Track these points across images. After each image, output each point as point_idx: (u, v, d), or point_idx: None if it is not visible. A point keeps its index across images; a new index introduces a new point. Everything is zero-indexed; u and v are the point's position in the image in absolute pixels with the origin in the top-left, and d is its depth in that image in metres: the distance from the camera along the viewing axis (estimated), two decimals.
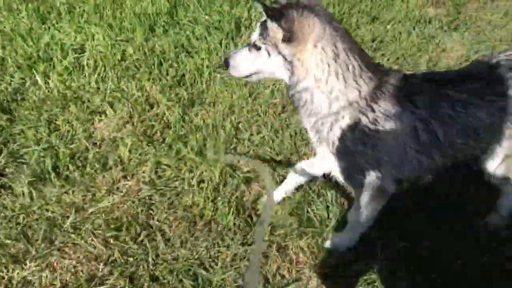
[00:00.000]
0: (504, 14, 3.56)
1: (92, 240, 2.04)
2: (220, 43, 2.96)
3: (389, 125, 1.70)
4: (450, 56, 3.16)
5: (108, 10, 3.14)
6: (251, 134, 2.52)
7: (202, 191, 2.23)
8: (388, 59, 3.02)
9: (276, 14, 1.61)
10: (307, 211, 2.21)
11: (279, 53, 1.70)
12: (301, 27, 1.61)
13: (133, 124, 2.52)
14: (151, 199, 2.24)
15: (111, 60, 2.83)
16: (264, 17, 1.67)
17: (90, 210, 2.17)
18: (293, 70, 1.70)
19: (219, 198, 2.23)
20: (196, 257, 2.03)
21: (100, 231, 2.07)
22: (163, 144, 2.45)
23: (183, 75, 2.78)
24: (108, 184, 2.28)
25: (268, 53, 1.74)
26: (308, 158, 2.39)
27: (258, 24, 1.77)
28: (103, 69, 2.77)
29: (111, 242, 2.04)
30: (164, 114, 2.59)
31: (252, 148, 2.46)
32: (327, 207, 2.23)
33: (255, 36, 1.77)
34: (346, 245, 2.07)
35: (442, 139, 1.76)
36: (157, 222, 2.15)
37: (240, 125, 2.57)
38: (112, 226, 2.09)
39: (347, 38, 1.66)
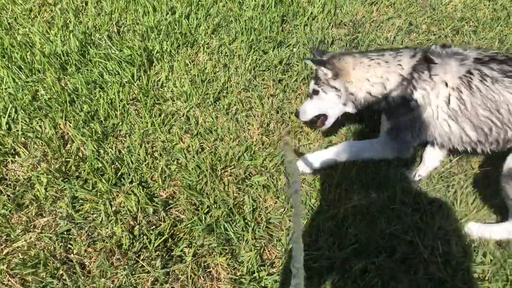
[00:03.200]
0: (398, 30, 3.92)
1: (9, 280, 2.05)
2: (133, 76, 3.05)
3: (422, 93, 2.29)
4: None
5: (17, 53, 3.14)
6: (167, 160, 2.62)
7: (119, 222, 2.31)
8: (295, 80, 3.24)
9: (322, 62, 2.46)
10: (226, 229, 2.34)
11: (332, 87, 2.50)
12: (340, 64, 2.45)
13: (48, 162, 2.54)
14: (69, 233, 2.28)
15: (22, 101, 2.83)
16: (315, 67, 2.51)
17: (5, 251, 2.17)
18: (346, 92, 2.48)
19: (136, 227, 2.30)
20: (117, 285, 2.08)
21: (16, 271, 2.08)
22: (79, 179, 2.49)
23: (97, 110, 2.84)
24: (24, 223, 2.28)
25: (325, 91, 2.54)
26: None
27: (311, 80, 2.66)
28: (13, 110, 2.77)
29: (29, 280, 2.05)
30: (79, 149, 2.63)
31: (168, 174, 2.57)
32: (246, 223, 2.37)
33: (312, 86, 2.61)
34: (313, 164, 2.56)
35: (469, 108, 2.20)
36: (76, 256, 2.18)
37: (155, 154, 2.67)
38: (29, 264, 2.10)
39: (367, 54, 2.48)
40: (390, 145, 2.52)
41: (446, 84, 2.24)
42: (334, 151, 2.57)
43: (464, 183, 2.60)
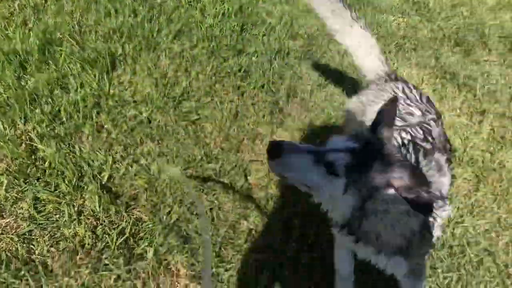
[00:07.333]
0: None
1: None
2: (95, 78, 3.09)
3: None
4: (305, 83, 3.67)
5: None
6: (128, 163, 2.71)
7: (82, 222, 2.37)
8: (254, 87, 3.43)
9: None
10: (186, 228, 2.47)
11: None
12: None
13: (7, 164, 2.55)
14: (31, 234, 2.31)
15: None
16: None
17: None
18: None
19: (99, 227, 2.38)
20: (80, 283, 2.16)
21: None
22: (41, 180, 2.52)
23: (59, 111, 2.86)
24: None
25: (346, 190, 1.50)
26: None
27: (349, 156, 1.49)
28: None
29: None
30: (39, 150, 2.65)
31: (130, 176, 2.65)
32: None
33: (335, 159, 1.50)
34: None
35: None
36: (38, 256, 2.22)
37: (116, 155, 2.74)
38: None
39: None
40: None
41: None
42: None
43: None
